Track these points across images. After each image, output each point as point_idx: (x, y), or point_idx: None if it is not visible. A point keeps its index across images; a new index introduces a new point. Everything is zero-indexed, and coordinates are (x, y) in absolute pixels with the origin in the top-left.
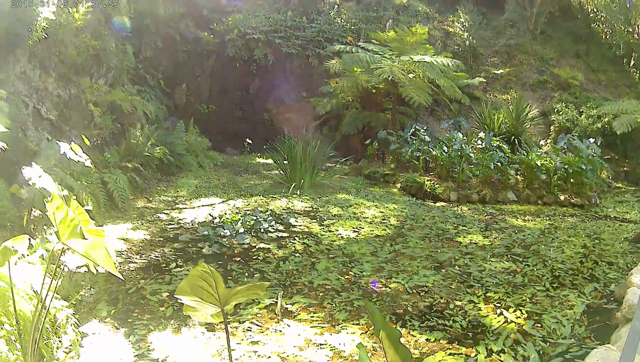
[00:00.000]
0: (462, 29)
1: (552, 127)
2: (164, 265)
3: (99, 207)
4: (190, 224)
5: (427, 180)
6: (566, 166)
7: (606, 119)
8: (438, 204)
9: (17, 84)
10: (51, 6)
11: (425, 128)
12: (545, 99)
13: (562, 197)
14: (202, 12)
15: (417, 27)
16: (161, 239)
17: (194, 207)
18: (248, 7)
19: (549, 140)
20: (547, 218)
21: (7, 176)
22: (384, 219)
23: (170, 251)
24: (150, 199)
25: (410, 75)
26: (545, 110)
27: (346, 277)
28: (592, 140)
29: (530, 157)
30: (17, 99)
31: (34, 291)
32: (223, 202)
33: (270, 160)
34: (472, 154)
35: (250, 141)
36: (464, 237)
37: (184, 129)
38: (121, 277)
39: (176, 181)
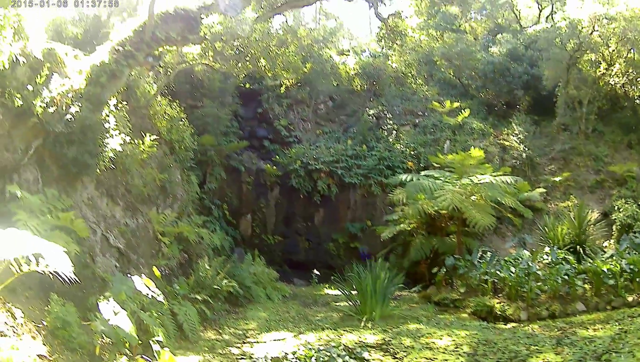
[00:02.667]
0: (518, 141)
1: (614, 226)
2: None
3: (169, 338)
4: (263, 359)
5: (497, 302)
6: (632, 266)
7: None
8: (509, 325)
9: (85, 211)
10: (117, 138)
11: (491, 250)
12: (605, 199)
13: (630, 298)
14: (263, 143)
15: (474, 151)
16: None
17: (265, 342)
18: (308, 137)
19: (612, 241)
20: (617, 323)
21: (75, 300)
22: (456, 347)
23: None
24: (220, 331)
25: (473, 198)
26: (606, 209)
27: None
28: None
29: (596, 264)
30: (85, 225)
31: None
32: (294, 336)
33: (338, 291)
34: (539, 271)
35: (317, 273)
36: (537, 357)
37: (251, 261)
38: None
39: (245, 313)
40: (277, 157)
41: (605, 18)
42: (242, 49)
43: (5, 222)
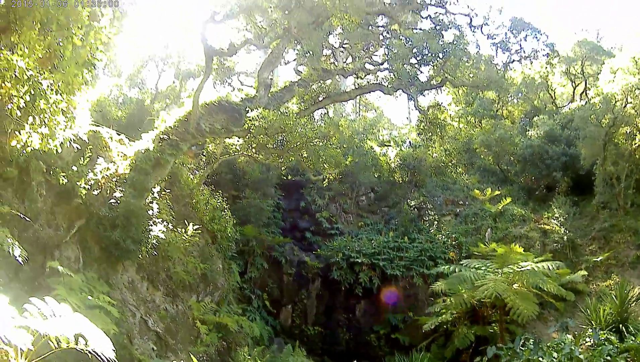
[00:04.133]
0: (558, 223)
1: None
2: None
3: None
4: None
5: None
6: None
7: None
8: None
9: (124, 293)
10: (160, 225)
11: (533, 336)
12: None
13: None
14: (305, 234)
15: (514, 247)
16: None
17: None
18: (350, 229)
19: None
20: None
21: None
22: None
23: None
24: None
25: (515, 286)
26: None
27: None
28: None
29: (638, 341)
30: (125, 307)
31: None
32: None
33: None
34: (581, 355)
35: None
36: None
37: (290, 351)
38: None
39: None
40: (319, 250)
41: (637, 89)
42: (285, 142)
43: (43, 296)
